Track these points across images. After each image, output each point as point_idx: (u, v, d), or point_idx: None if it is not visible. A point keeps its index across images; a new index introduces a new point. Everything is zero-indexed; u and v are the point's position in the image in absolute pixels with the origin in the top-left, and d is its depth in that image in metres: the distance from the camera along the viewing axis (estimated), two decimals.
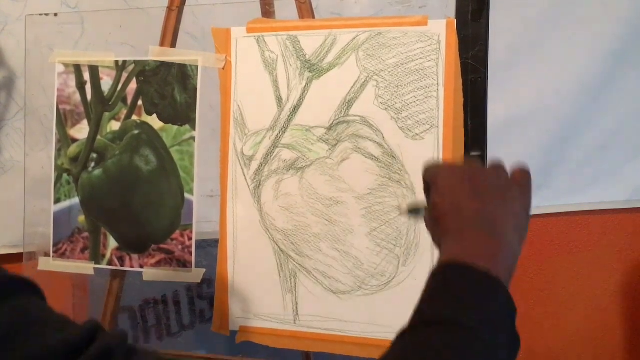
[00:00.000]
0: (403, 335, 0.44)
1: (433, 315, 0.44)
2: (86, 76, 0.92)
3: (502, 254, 0.48)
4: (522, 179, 0.55)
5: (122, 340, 0.40)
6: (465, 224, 0.49)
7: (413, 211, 0.57)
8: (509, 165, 0.55)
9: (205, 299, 1.19)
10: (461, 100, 0.75)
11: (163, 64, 0.88)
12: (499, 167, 0.55)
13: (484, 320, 0.42)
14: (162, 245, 0.89)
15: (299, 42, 0.81)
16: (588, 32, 1.22)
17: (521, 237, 0.51)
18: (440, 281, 0.47)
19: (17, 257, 1.04)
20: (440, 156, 0.77)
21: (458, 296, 0.44)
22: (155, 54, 0.88)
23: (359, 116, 0.79)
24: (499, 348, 0.42)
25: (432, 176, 0.54)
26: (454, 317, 0.42)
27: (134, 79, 0.89)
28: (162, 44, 0.89)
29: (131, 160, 0.90)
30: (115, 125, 0.91)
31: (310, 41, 0.81)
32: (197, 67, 0.87)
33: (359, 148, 0.79)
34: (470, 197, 0.50)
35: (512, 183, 0.54)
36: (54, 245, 0.94)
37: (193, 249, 0.88)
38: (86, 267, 0.93)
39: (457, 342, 0.41)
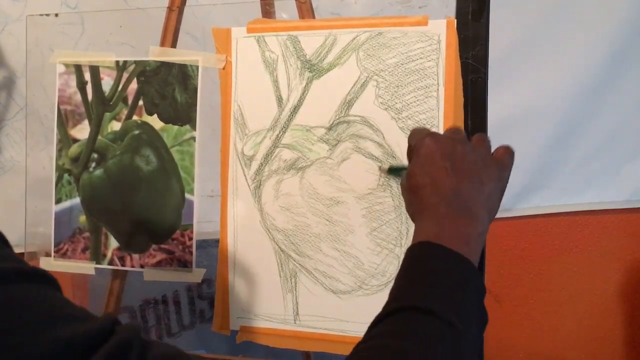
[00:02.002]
0: (379, 321, 0.45)
1: (409, 302, 0.45)
2: (87, 76, 0.92)
3: (475, 236, 0.49)
4: (503, 156, 0.55)
5: (138, 332, 0.40)
6: (441, 203, 0.50)
7: (394, 171, 0.57)
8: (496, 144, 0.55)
9: (205, 299, 1.19)
10: (461, 100, 0.75)
11: (163, 64, 0.88)
12: (482, 142, 0.55)
13: (457, 309, 0.44)
14: (162, 245, 0.89)
15: (299, 42, 0.81)
16: (588, 32, 1.22)
17: (490, 219, 0.52)
18: (417, 264, 0.48)
19: None
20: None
21: (434, 283, 0.45)
22: (156, 54, 0.88)
23: (359, 116, 0.79)
24: (470, 332, 0.44)
25: (416, 143, 0.54)
26: (429, 306, 0.43)
27: (135, 79, 0.90)
28: (162, 44, 0.89)
29: (132, 160, 0.90)
30: (116, 126, 0.91)
31: (311, 41, 0.81)
32: (197, 67, 0.87)
33: (359, 148, 0.79)
34: (448, 173, 0.50)
35: (493, 161, 0.54)
36: (55, 245, 0.94)
37: (193, 249, 0.88)
38: (87, 267, 0.93)
39: (431, 331, 0.42)
